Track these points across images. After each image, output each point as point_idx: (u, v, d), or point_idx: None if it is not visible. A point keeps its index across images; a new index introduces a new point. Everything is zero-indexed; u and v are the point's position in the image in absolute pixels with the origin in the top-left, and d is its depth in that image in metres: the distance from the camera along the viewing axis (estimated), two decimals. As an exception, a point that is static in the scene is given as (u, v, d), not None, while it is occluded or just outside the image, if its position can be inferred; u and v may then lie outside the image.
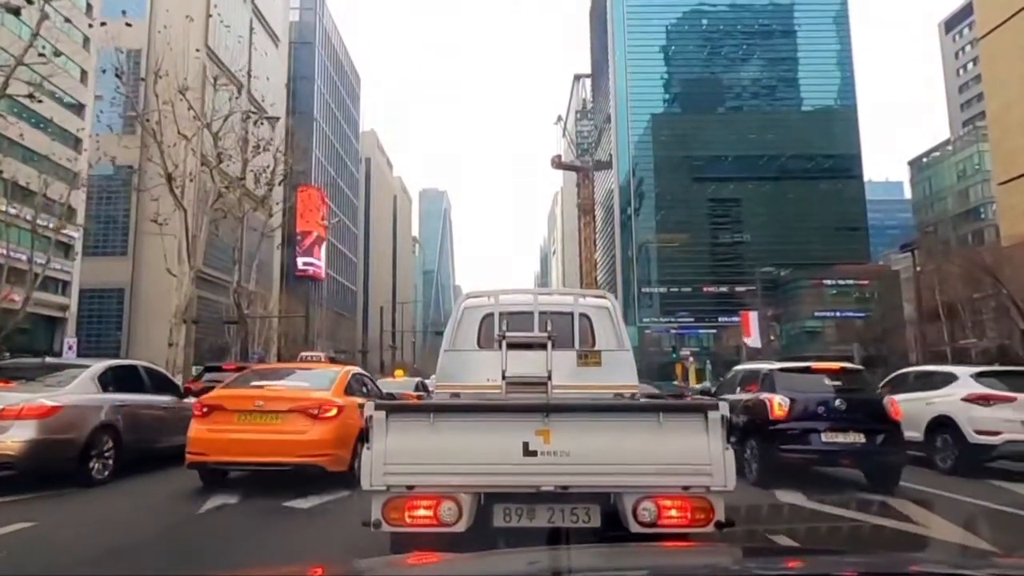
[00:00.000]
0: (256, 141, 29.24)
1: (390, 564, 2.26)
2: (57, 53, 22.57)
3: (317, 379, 8.92)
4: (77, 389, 8.23)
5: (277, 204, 31.33)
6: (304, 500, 7.11)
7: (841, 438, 8.77)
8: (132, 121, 35.15)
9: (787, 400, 8.99)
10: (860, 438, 8.77)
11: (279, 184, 29.90)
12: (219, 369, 15.25)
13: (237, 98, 28.22)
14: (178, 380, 18.25)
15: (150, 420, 9.35)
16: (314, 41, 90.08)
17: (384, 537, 3.87)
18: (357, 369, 10.31)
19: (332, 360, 14.57)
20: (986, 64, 67.18)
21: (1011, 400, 10.18)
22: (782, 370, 10.04)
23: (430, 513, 3.69)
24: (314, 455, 7.66)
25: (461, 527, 3.67)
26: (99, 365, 8.97)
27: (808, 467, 8.98)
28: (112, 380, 8.88)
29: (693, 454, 3.77)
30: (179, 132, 25.26)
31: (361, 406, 4.12)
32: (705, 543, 3.77)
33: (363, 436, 3.87)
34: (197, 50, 29.88)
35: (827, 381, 9.46)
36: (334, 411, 7.93)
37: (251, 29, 64.85)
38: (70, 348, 39.18)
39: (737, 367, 13.00)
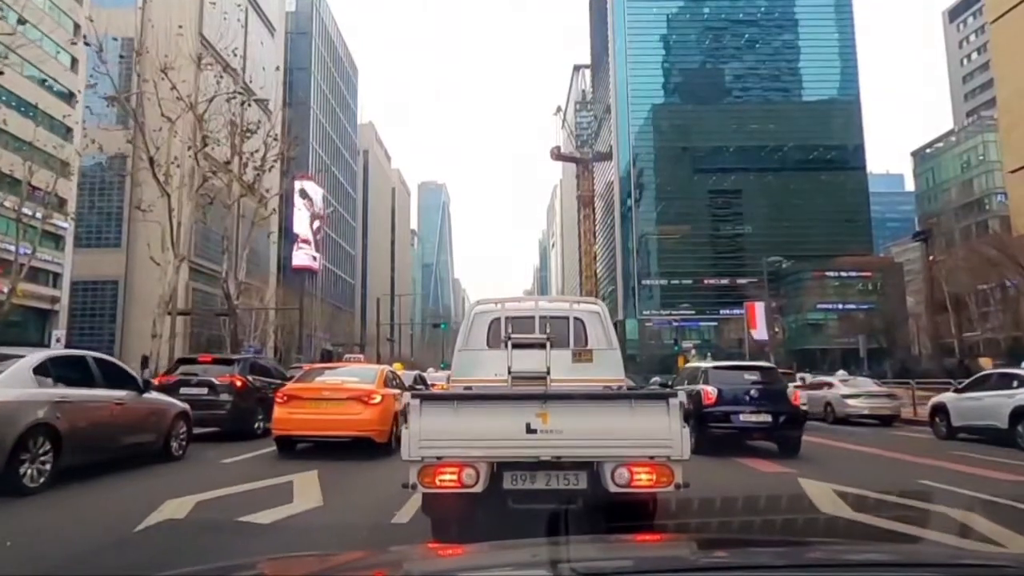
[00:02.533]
0: (246, 125, 28.09)
1: (420, 554, 2.42)
2: (22, 21, 21.38)
3: (363, 374, 11.86)
4: (8, 382, 7.05)
5: (268, 191, 30.11)
6: (263, 514, 5.97)
7: (754, 418, 11.56)
8: (125, 110, 34.04)
9: (715, 390, 11.81)
10: (768, 418, 11.52)
11: (269, 170, 28.72)
12: (194, 362, 14.09)
13: (221, 80, 26.94)
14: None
15: (99, 418, 8.18)
16: (311, 31, 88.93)
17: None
18: (389, 367, 14.00)
19: (328, 354, 16.81)
20: (996, 50, 65.92)
21: None
22: (715, 367, 13.35)
23: (455, 478, 4.52)
24: (366, 430, 10.25)
25: (479, 488, 4.52)
26: (36, 355, 7.78)
27: (730, 440, 11.55)
28: (53, 372, 7.71)
29: (657, 432, 4.60)
30: (162, 114, 24.09)
31: (395, 395, 5.49)
32: (700, 535, 4.28)
33: (398, 417, 4.79)
34: (180, 26, 28.59)
35: (746, 376, 12.44)
36: (379, 398, 10.46)
37: (246, 16, 63.55)
38: (58, 341, 38.05)
39: (687, 366, 16.85)
